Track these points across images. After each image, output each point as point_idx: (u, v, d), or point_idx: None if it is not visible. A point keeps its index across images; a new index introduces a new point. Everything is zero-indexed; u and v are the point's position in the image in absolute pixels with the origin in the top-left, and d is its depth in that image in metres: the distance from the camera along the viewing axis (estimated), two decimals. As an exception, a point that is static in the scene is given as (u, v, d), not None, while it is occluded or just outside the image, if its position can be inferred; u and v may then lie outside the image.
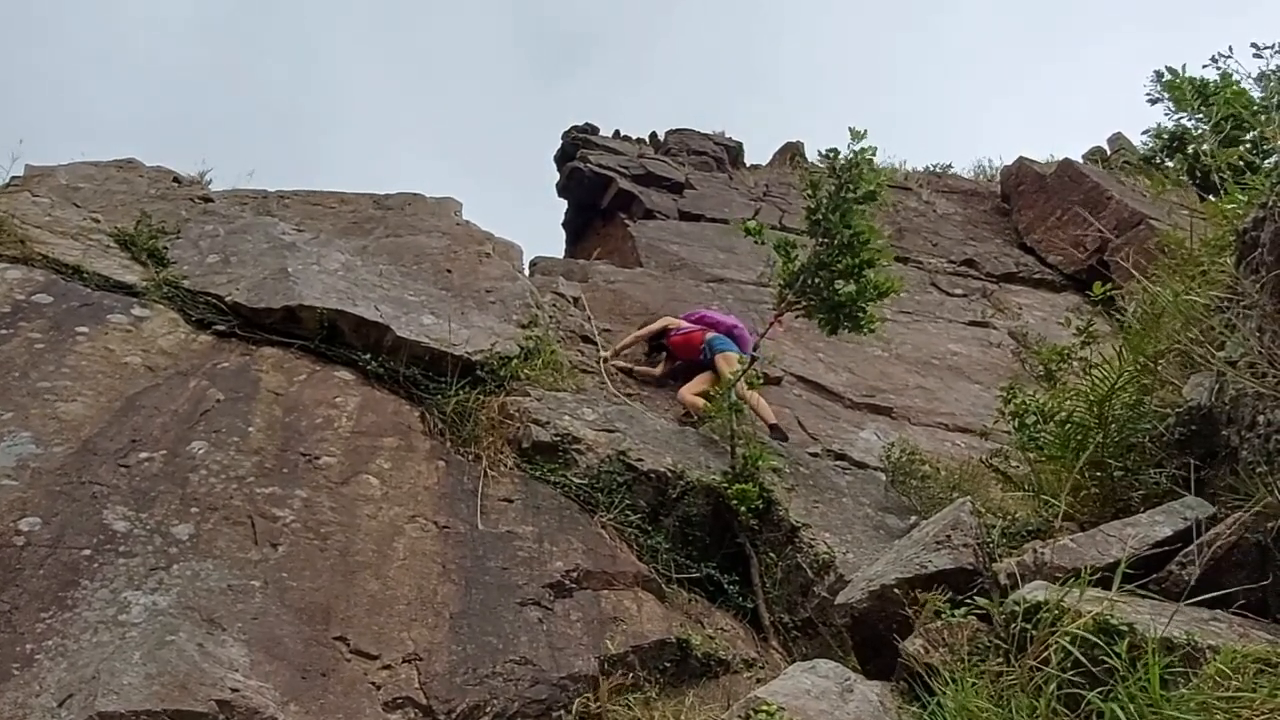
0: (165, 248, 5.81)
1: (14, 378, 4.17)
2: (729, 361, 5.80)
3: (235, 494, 3.92)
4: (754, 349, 5.86)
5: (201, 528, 3.68)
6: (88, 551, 3.40)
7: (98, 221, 5.97)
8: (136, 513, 3.65)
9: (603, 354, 6.35)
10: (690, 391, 5.80)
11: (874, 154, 5.16)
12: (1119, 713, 1.93)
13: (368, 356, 5.14)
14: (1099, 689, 2.03)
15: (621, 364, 6.36)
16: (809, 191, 5.36)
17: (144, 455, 3.97)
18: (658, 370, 6.30)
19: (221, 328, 5.11)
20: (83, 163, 6.77)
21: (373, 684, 3.27)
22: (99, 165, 6.82)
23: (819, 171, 5.71)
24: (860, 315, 5.45)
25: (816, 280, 5.34)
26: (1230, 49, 4.70)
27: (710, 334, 6.10)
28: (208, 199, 6.88)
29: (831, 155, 5.13)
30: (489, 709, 3.35)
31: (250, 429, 4.35)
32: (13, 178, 6.28)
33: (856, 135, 5.05)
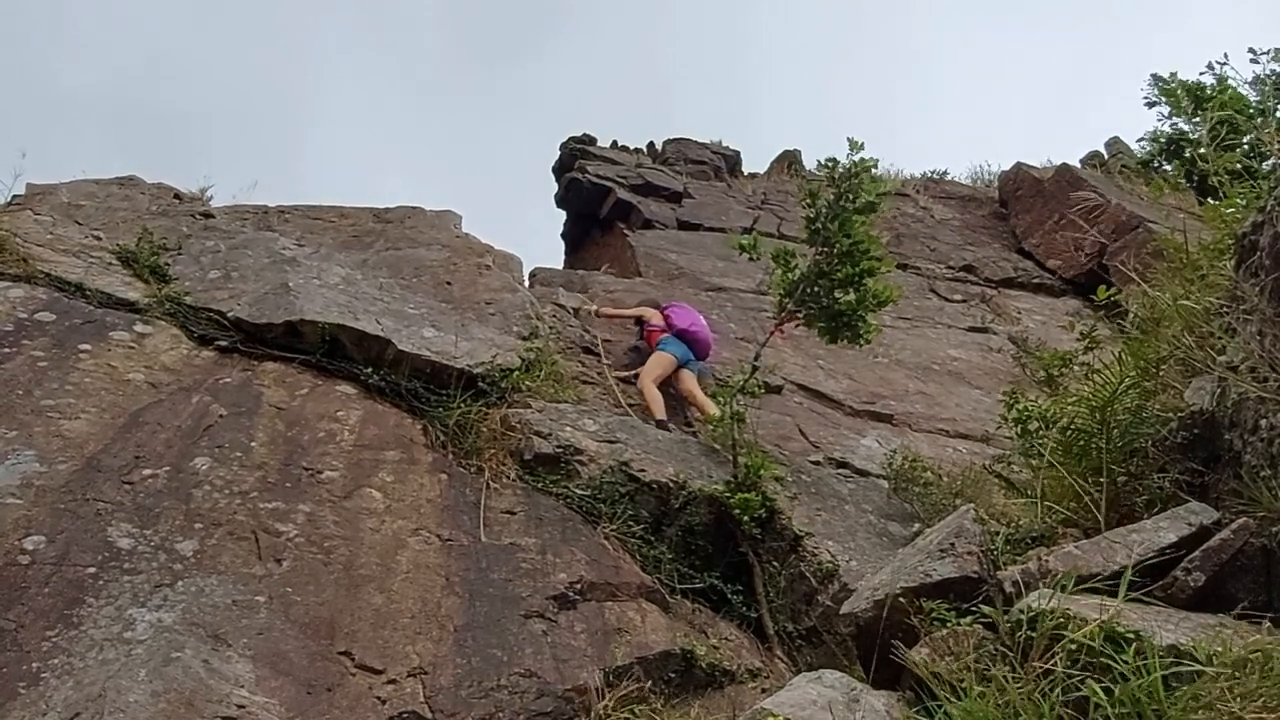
0: (167, 264, 5.83)
1: (17, 395, 4.18)
2: (658, 361, 6.29)
3: (239, 509, 3.93)
4: (755, 358, 5.87)
5: (206, 543, 3.69)
6: (92, 569, 3.41)
7: (99, 239, 5.99)
8: (141, 529, 3.65)
9: (593, 307, 7.16)
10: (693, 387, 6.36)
11: (875, 165, 5.19)
12: (1125, 714, 1.93)
13: (369, 370, 5.14)
14: (1105, 691, 2.03)
15: (622, 374, 6.43)
16: (808, 201, 5.37)
17: (148, 471, 3.97)
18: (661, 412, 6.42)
19: (223, 343, 5.12)
20: (84, 180, 6.80)
21: (378, 698, 3.26)
22: (100, 183, 6.85)
23: (818, 181, 5.73)
24: (860, 325, 5.46)
25: (816, 289, 5.35)
26: (1225, 55, 4.69)
27: (663, 335, 6.52)
28: (208, 215, 6.90)
29: (831, 165, 5.15)
30: (495, 722, 3.34)
31: (253, 444, 4.35)
32: (14, 196, 6.30)
33: (855, 145, 5.07)
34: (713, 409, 5.79)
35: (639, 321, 6.91)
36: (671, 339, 6.44)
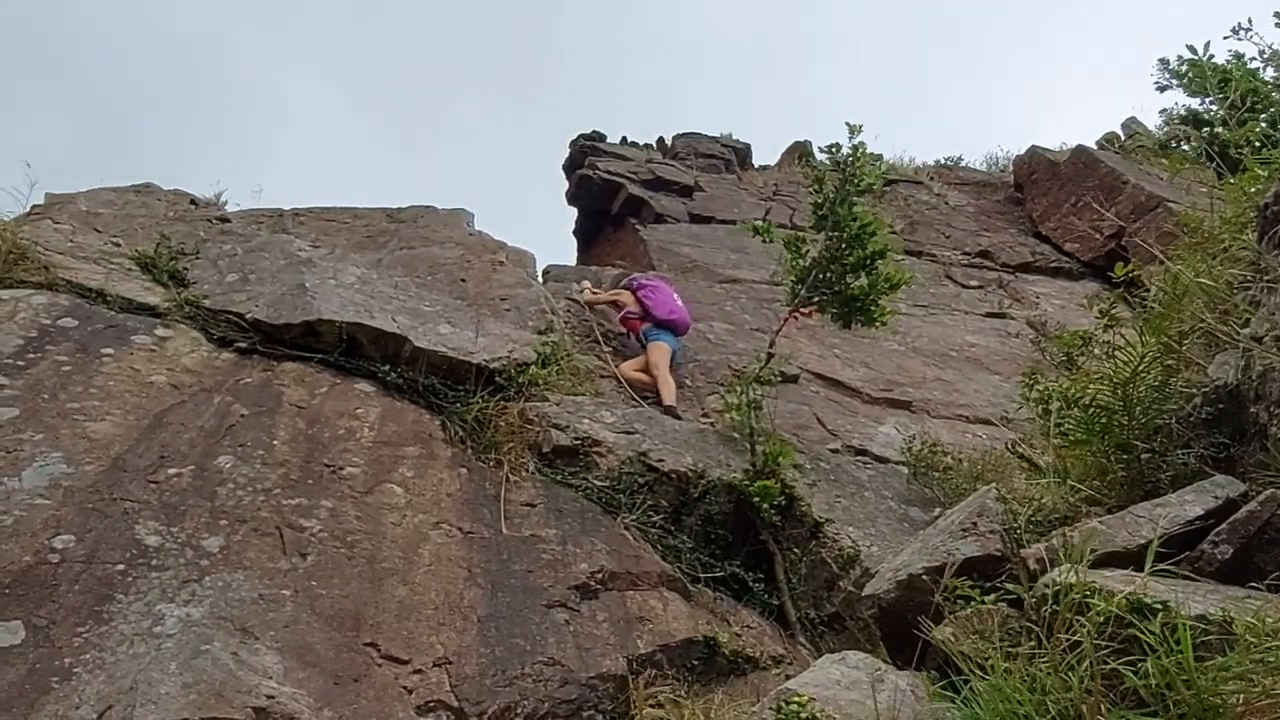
0: (185, 268, 5.90)
1: (43, 399, 4.25)
2: (660, 351, 6.35)
3: (263, 506, 3.97)
4: (770, 346, 5.87)
5: (231, 539, 3.73)
6: (121, 566, 3.45)
7: (118, 245, 6.07)
8: (167, 527, 3.70)
9: (581, 293, 7.23)
10: (630, 367, 6.42)
11: (865, 148, 5.20)
12: (1154, 687, 1.91)
13: (387, 368, 5.18)
14: (1133, 664, 2.01)
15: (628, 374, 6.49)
16: (815, 187, 5.37)
17: (173, 471, 4.02)
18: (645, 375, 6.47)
19: (243, 345, 5.17)
20: (102, 189, 6.89)
21: (404, 688, 3.29)
22: (118, 190, 6.93)
23: (824, 167, 5.73)
24: (873, 309, 5.45)
25: (828, 274, 5.35)
26: (1250, 20, 4.55)
27: (645, 325, 6.58)
28: (224, 219, 6.98)
29: (834, 149, 5.15)
30: (519, 710, 3.36)
31: (275, 442, 4.40)
32: (33, 206, 6.38)
33: (854, 130, 5.08)
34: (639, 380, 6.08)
35: (616, 306, 6.98)
36: (657, 329, 6.51)
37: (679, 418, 5.77)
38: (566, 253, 11.82)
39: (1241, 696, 1.88)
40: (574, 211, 11.70)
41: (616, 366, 6.39)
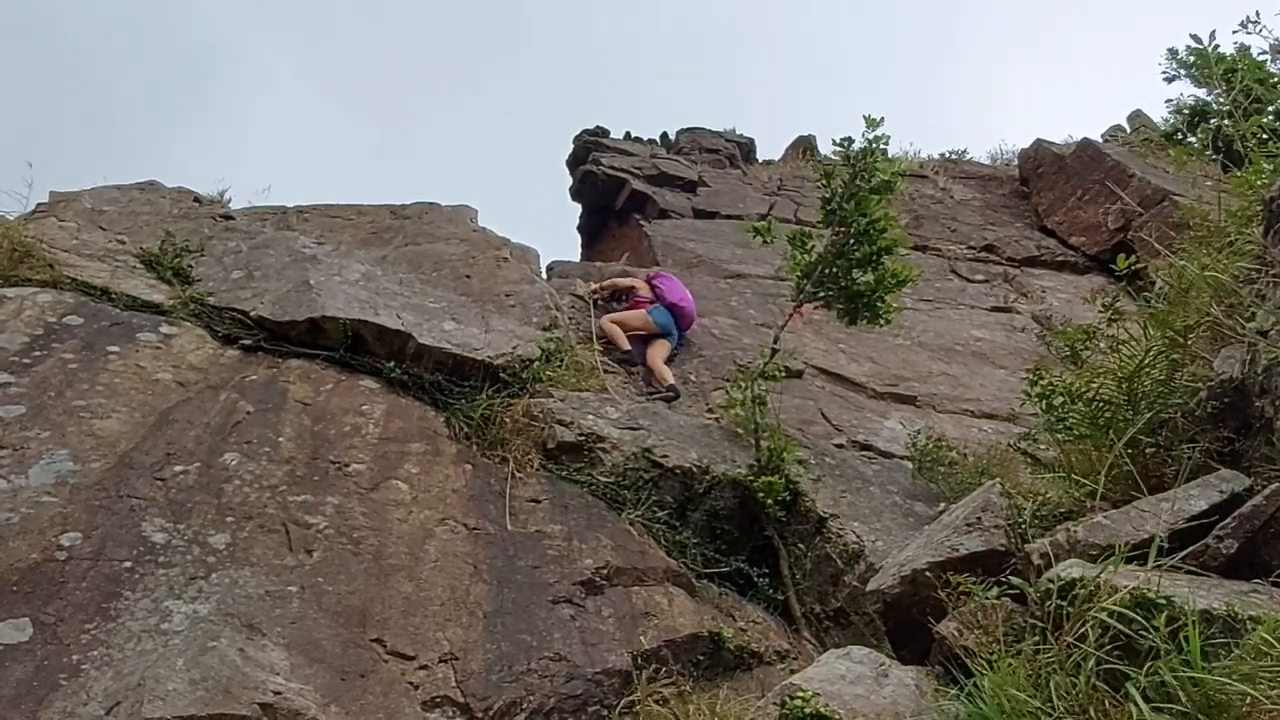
0: (190, 266, 5.92)
1: (50, 397, 4.27)
2: (639, 317, 6.53)
3: (269, 502, 3.98)
4: (775, 341, 5.85)
5: (238, 536, 3.75)
6: (128, 563, 3.48)
7: (123, 243, 6.09)
8: (174, 524, 3.72)
9: (588, 287, 7.29)
10: (656, 356, 6.35)
11: (887, 142, 5.13)
12: (1161, 686, 1.91)
13: (391, 364, 5.19)
14: (1139, 664, 2.01)
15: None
16: (823, 181, 5.34)
17: (179, 468, 4.04)
18: (625, 344, 6.53)
19: (248, 342, 5.19)
20: (106, 186, 6.91)
21: (411, 684, 3.31)
22: (122, 188, 6.96)
23: (833, 161, 5.69)
24: (879, 305, 5.42)
25: (834, 270, 5.32)
26: (1257, 14, 4.56)
27: (651, 305, 6.66)
28: (229, 216, 6.99)
29: (845, 144, 5.11)
30: (525, 705, 3.38)
31: (280, 439, 4.41)
32: (38, 204, 6.41)
33: (871, 123, 5.02)
34: (668, 378, 6.08)
35: (625, 294, 6.98)
36: (660, 309, 6.57)
37: (677, 395, 5.86)
38: (563, 249, 11.81)
39: (1248, 696, 1.87)
40: (577, 207, 11.69)
41: (644, 355, 6.39)
